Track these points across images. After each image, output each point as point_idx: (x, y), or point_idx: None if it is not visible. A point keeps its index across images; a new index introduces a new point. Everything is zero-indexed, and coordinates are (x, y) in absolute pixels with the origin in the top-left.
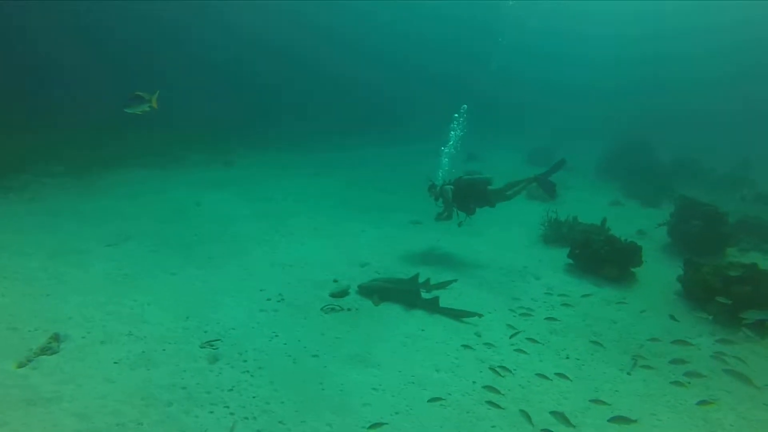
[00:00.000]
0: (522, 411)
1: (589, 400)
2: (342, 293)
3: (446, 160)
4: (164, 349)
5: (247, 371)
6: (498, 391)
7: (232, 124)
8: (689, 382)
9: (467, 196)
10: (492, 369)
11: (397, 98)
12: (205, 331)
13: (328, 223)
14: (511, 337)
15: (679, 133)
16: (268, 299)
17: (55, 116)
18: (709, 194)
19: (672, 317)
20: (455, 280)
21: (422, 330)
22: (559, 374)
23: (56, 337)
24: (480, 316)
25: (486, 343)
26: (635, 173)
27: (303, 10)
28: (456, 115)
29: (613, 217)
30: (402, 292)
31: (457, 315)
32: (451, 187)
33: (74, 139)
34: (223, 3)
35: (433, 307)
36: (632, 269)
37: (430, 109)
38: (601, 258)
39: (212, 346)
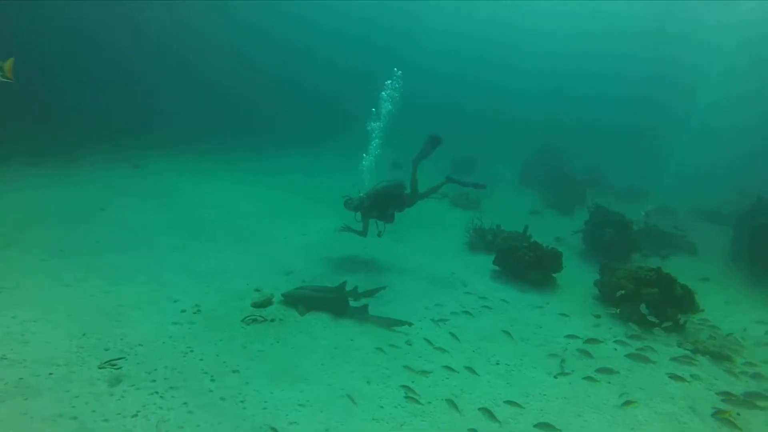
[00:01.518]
0: (449, 401)
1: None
2: (265, 303)
3: (370, 160)
4: (51, 374)
5: (156, 392)
6: (431, 402)
7: (140, 125)
8: (609, 381)
9: (385, 203)
10: (424, 376)
11: (327, 104)
12: (106, 349)
13: (250, 229)
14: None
15: (585, 142)
16: (183, 311)
17: None
18: (615, 204)
19: (596, 316)
20: (383, 288)
21: (351, 340)
22: (491, 381)
23: None
24: (410, 324)
25: (417, 352)
26: (551, 184)
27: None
28: (388, 82)
29: (533, 224)
30: (329, 301)
31: (387, 324)
32: (366, 197)
33: None
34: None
35: (362, 315)
36: (553, 275)
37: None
38: (526, 264)
39: (114, 365)
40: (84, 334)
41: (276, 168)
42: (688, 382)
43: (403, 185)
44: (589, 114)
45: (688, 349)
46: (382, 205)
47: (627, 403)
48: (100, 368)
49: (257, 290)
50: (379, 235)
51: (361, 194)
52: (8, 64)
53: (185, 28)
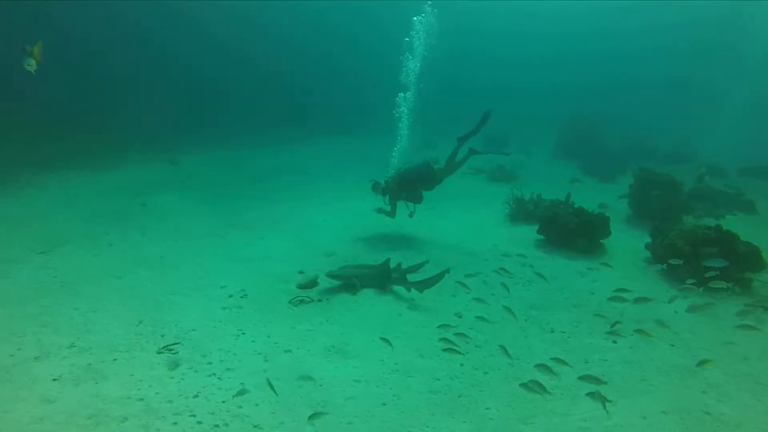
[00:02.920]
0: (506, 371)
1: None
2: (310, 284)
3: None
4: (114, 359)
5: (214, 374)
6: (487, 372)
7: (172, 122)
8: (673, 344)
9: (414, 184)
10: (477, 348)
11: (358, 91)
12: (162, 335)
13: (287, 214)
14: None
15: (620, 106)
16: (230, 296)
17: None
18: (660, 169)
19: (650, 279)
20: (427, 261)
21: (400, 315)
22: (547, 349)
23: None
24: (448, 271)
25: (468, 324)
26: (587, 152)
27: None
28: (416, 18)
29: (574, 193)
30: (374, 277)
31: (428, 284)
32: (403, 174)
33: None
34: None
35: (403, 282)
36: (601, 240)
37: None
38: (571, 231)
39: (171, 350)
40: (140, 322)
41: (307, 155)
42: (761, 340)
43: (430, 164)
44: (625, 73)
45: (757, 308)
46: (411, 186)
47: (702, 362)
48: (158, 353)
49: (301, 272)
50: (410, 216)
51: (387, 177)
52: (37, 49)
53: (227, 21)
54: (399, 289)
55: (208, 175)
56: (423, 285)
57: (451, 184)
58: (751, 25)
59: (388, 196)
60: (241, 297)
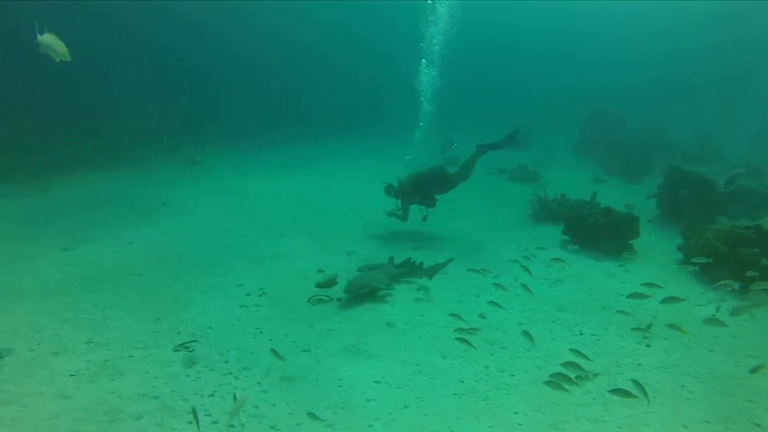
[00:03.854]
0: (533, 373)
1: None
2: (329, 283)
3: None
4: (131, 356)
5: (230, 373)
6: (514, 375)
7: (196, 123)
8: (711, 349)
9: (427, 188)
10: (503, 349)
11: (375, 92)
12: (179, 333)
13: (307, 213)
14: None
15: (635, 104)
16: (248, 294)
17: None
18: (688, 166)
19: (683, 281)
20: (451, 260)
21: (421, 315)
22: (574, 351)
23: None
24: (451, 260)
25: (492, 325)
26: (610, 151)
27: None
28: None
29: (599, 193)
30: (395, 277)
31: (435, 270)
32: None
33: (22, 143)
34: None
35: (415, 271)
36: (630, 241)
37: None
38: (599, 231)
39: (187, 348)
40: (157, 319)
41: (323, 153)
42: None
43: (444, 167)
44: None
45: None
46: (424, 189)
47: (757, 369)
48: (175, 351)
49: (320, 271)
50: (423, 220)
51: (401, 179)
52: (60, 47)
53: (236, 25)
54: (420, 289)
55: (227, 174)
56: (432, 272)
57: (473, 184)
58: None
59: (401, 199)
60: (260, 295)
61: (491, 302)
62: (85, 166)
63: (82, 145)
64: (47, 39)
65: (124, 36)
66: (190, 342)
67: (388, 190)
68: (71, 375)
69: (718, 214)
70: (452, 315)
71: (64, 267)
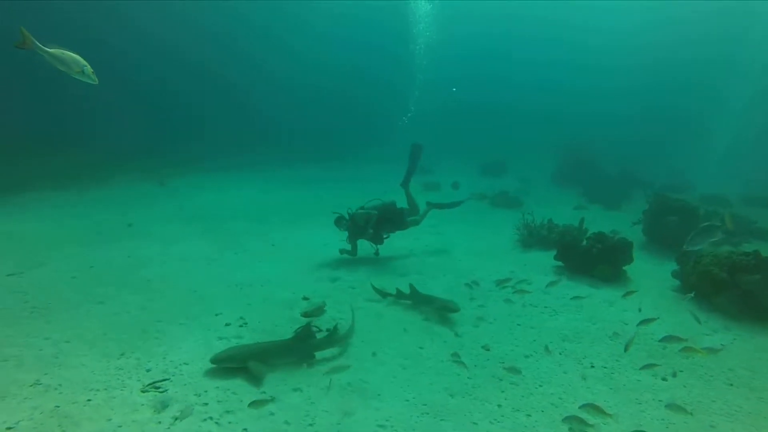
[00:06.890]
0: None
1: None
2: (316, 312)
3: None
4: (89, 400)
5: (211, 417)
6: (530, 414)
7: (163, 143)
8: (731, 383)
9: (380, 224)
10: (513, 386)
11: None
12: (148, 370)
13: (286, 237)
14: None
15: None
16: (227, 324)
17: None
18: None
19: (686, 310)
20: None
21: (421, 348)
22: (591, 387)
23: None
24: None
25: (497, 358)
26: (587, 181)
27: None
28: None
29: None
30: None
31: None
32: (375, 212)
33: None
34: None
35: (413, 297)
36: (623, 267)
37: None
38: (593, 257)
39: (158, 388)
40: (122, 354)
41: (300, 178)
42: None
43: (396, 204)
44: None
45: None
46: (377, 224)
47: None
48: (143, 392)
49: (305, 298)
50: (376, 254)
51: (351, 212)
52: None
53: (206, 43)
54: (416, 318)
55: (197, 196)
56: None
57: (457, 211)
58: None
59: (348, 233)
60: (240, 326)
61: (494, 332)
62: (43, 185)
63: (39, 164)
64: (59, 54)
65: (93, 53)
66: (162, 381)
67: (339, 221)
68: (8, 429)
69: None
70: (454, 347)
71: (10, 295)
